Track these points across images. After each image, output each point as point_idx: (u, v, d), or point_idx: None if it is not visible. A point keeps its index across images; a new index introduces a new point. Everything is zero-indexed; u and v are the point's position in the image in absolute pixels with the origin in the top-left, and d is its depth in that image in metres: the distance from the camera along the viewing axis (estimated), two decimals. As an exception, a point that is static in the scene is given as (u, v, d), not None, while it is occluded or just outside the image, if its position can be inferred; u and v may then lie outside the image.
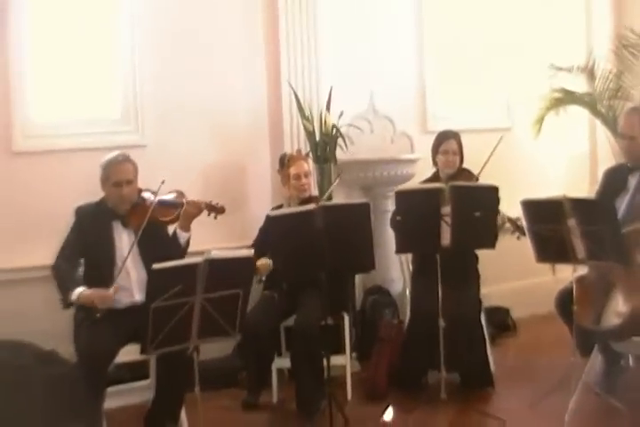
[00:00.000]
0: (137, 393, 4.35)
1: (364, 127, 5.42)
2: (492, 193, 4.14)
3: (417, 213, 4.10)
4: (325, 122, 5.01)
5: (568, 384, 4.15)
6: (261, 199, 5.15)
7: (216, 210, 4.16)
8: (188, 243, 4.20)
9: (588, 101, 5.59)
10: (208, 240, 4.74)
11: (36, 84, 4.71)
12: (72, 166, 4.68)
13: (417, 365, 4.54)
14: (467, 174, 4.67)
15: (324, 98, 5.14)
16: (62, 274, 3.96)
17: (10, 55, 4.58)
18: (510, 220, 4.37)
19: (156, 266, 3.36)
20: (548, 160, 6.15)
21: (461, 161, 4.78)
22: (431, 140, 4.99)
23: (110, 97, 4.94)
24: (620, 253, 3.98)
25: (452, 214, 4.10)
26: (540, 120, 5.68)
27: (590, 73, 5.62)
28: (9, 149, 4.59)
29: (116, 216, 4.13)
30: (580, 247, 4.06)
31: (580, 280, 4.35)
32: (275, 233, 3.95)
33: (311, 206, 3.92)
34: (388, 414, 4.34)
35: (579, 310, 4.21)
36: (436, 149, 4.78)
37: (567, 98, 5.60)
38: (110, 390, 4.06)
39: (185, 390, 3.99)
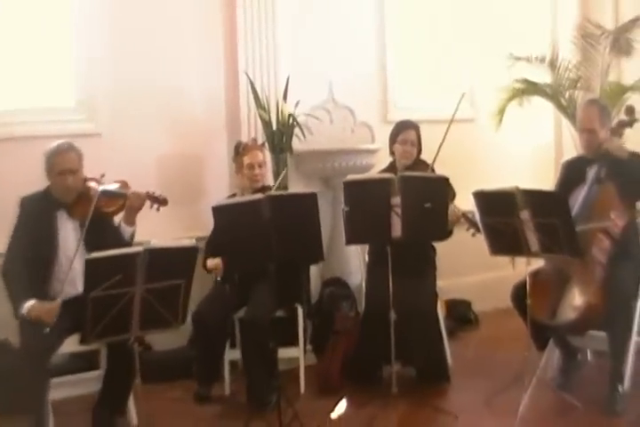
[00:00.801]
0: (88, 384, 4.24)
1: (324, 117, 5.34)
2: (442, 184, 4.08)
3: (366, 203, 4.04)
4: (282, 111, 4.94)
5: (524, 379, 4.09)
6: (219, 190, 5.05)
7: (158, 201, 4.08)
8: (132, 237, 4.12)
9: (550, 92, 5.51)
10: (164, 232, 4.69)
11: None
12: (26, 155, 4.48)
13: (371, 358, 4.46)
14: (423, 166, 4.58)
15: (282, 87, 5.03)
16: (11, 282, 3.88)
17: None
18: (465, 215, 4.32)
19: (92, 255, 3.29)
20: (512, 151, 6.11)
21: (419, 152, 4.71)
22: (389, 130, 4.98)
23: (65, 85, 4.83)
24: (574, 246, 3.93)
25: (402, 205, 4.03)
26: (501, 111, 5.59)
27: (551, 63, 5.53)
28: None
29: (61, 206, 4.04)
30: (533, 240, 4.01)
31: (535, 274, 4.32)
32: (219, 224, 3.85)
33: (257, 196, 3.85)
34: (340, 409, 4.26)
35: (533, 304, 4.16)
36: (393, 139, 4.70)
37: (529, 89, 5.51)
38: (60, 380, 4.05)
39: (132, 381, 3.88)
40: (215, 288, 4.51)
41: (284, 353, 4.61)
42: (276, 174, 4.94)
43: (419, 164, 4.65)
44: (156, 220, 4.25)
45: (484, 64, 5.87)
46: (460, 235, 4.41)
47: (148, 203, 4.10)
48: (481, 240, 4.21)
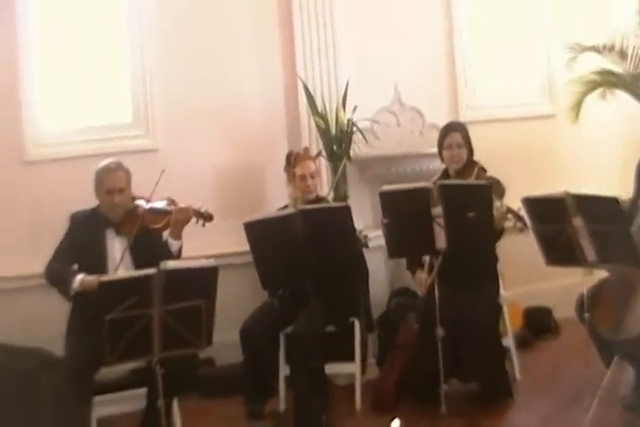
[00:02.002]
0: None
1: (391, 121, 5.10)
2: (483, 191, 3.77)
3: (406, 215, 3.79)
4: (339, 117, 4.76)
5: (583, 399, 3.78)
6: (279, 200, 4.81)
7: (204, 217, 4.02)
8: (180, 251, 4.07)
9: (630, 83, 4.98)
10: (224, 244, 4.70)
11: (45, 92, 4.71)
12: (85, 173, 4.53)
13: (425, 375, 4.16)
14: (475, 168, 4.28)
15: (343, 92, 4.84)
16: (57, 270, 3.92)
17: (19, 64, 4.61)
18: (511, 210, 3.99)
19: (105, 278, 3.32)
20: (598, 149, 5.58)
21: (471, 153, 4.40)
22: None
23: (121, 101, 4.87)
24: (632, 256, 3.53)
25: (444, 216, 3.77)
26: (577, 105, 5.11)
27: (621, 51, 4.99)
28: (20, 159, 4.62)
29: (109, 223, 4.05)
30: (589, 249, 3.67)
31: (599, 285, 3.99)
32: (252, 240, 3.78)
33: (289, 211, 3.76)
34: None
35: (596, 317, 3.86)
36: (440, 145, 4.43)
37: (606, 80, 5.02)
38: (117, 396, 4.01)
39: (170, 398, 3.84)
40: (264, 304, 4.39)
41: (342, 368, 4.47)
42: (337, 184, 4.78)
43: (470, 166, 4.33)
44: (218, 232, 4.21)
45: (560, 56, 5.34)
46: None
47: (193, 219, 4.03)
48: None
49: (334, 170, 4.78)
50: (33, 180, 4.64)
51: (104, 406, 3.94)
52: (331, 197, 4.75)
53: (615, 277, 3.86)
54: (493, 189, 4.09)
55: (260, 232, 3.78)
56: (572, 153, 5.53)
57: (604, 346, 3.91)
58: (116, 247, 4.05)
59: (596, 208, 3.57)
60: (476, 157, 4.40)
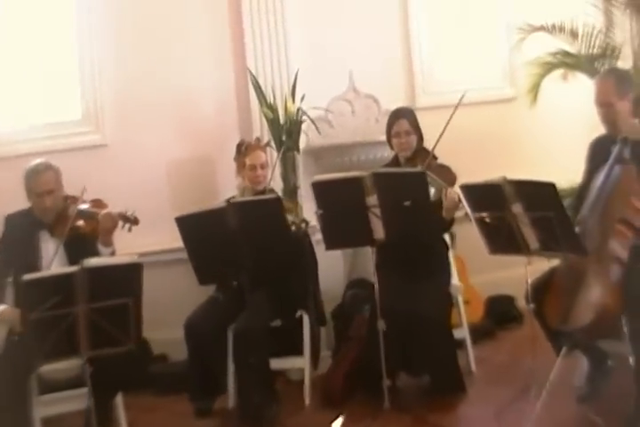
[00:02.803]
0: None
1: (345, 109, 4.99)
2: (419, 179, 3.65)
3: (340, 205, 3.69)
4: (287, 107, 4.66)
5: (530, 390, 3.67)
6: (233, 191, 4.72)
7: (130, 221, 3.95)
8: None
9: (585, 64, 4.80)
10: (179, 239, 4.64)
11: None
12: None
13: (372, 368, 4.06)
14: (424, 154, 4.13)
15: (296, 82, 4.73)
16: None
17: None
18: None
19: (26, 277, 3.22)
20: (560, 132, 5.36)
21: (420, 139, 4.29)
22: (422, 117, 4.60)
23: (70, 98, 4.79)
24: (574, 243, 3.42)
25: (380, 205, 3.67)
26: (534, 88, 4.97)
27: (571, 31, 4.83)
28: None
29: (42, 225, 3.99)
30: (531, 237, 3.54)
31: (552, 272, 3.87)
32: (184, 235, 3.71)
33: (219, 205, 3.69)
34: (337, 425, 3.95)
35: (547, 307, 3.75)
36: (388, 133, 4.32)
37: (561, 61, 4.87)
38: (63, 395, 3.94)
39: (109, 396, 3.86)
40: (209, 298, 4.30)
41: (292, 363, 4.41)
42: (284, 174, 4.71)
43: (420, 153, 4.20)
44: (171, 226, 4.12)
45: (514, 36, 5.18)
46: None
47: (120, 223, 3.95)
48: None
49: (283, 160, 4.67)
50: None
51: (54, 405, 3.89)
52: (280, 187, 4.68)
53: (564, 264, 3.76)
54: (443, 176, 4.00)
55: (192, 227, 3.69)
56: (533, 137, 5.39)
57: (554, 336, 3.82)
58: (50, 249, 3.98)
59: (534, 194, 3.44)
60: (435, 144, 4.21)
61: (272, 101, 4.73)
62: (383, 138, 4.60)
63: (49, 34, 4.77)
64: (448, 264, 4.35)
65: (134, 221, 3.96)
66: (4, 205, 4.33)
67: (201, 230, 3.69)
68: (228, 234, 3.66)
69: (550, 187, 3.36)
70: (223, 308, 4.22)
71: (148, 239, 4.52)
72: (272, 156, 4.70)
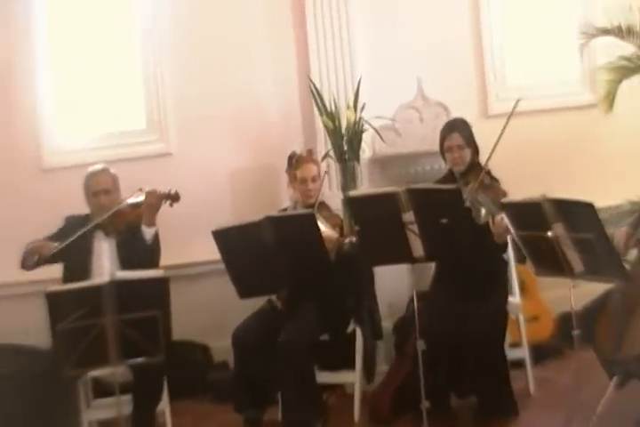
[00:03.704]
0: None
1: (413, 117, 4.85)
2: (454, 196, 3.45)
3: (375, 221, 3.53)
4: (347, 117, 4.55)
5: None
6: None
7: (171, 197, 4.04)
8: (155, 238, 4.07)
9: None
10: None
11: (60, 101, 4.85)
12: None
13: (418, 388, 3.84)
14: (478, 169, 3.94)
15: (361, 91, 4.65)
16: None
17: (34, 73, 4.77)
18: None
19: (52, 289, 3.32)
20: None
21: (475, 153, 4.10)
22: (495, 125, 4.42)
23: (135, 107, 4.93)
24: (615, 267, 3.17)
25: (417, 222, 3.48)
26: (610, 94, 4.61)
27: (628, 30, 4.44)
28: (38, 167, 4.81)
29: (97, 226, 4.10)
30: (575, 259, 3.30)
31: (606, 295, 3.60)
32: (221, 248, 3.69)
33: (256, 219, 3.66)
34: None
35: (599, 333, 3.51)
36: (441, 147, 4.14)
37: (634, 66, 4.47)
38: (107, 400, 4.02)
39: (153, 404, 3.94)
40: (258, 310, 4.26)
41: (343, 377, 4.36)
42: (343, 185, 4.63)
43: (475, 167, 4.01)
44: None
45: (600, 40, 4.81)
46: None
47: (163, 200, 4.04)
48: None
49: (343, 171, 4.61)
50: (50, 187, 4.76)
51: (106, 409, 3.97)
52: (340, 198, 4.60)
53: (618, 288, 3.51)
54: (491, 196, 3.83)
55: (229, 240, 3.66)
56: (611, 147, 5.03)
57: (607, 364, 3.57)
58: (104, 248, 4.12)
59: (573, 214, 3.21)
60: (488, 158, 4.01)
61: (333, 110, 4.64)
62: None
63: (114, 45, 4.93)
64: (505, 281, 4.13)
65: (175, 197, 4.04)
66: (72, 212, 4.49)
67: (238, 244, 3.65)
68: (265, 248, 3.62)
69: (589, 207, 3.13)
70: (272, 319, 4.16)
71: (211, 248, 4.57)
72: (332, 166, 4.64)
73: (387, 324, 4.61)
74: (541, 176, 4.72)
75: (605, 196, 4.74)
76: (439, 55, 4.94)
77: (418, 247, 3.60)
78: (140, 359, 3.45)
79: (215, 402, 4.62)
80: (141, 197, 4.08)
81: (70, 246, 4.05)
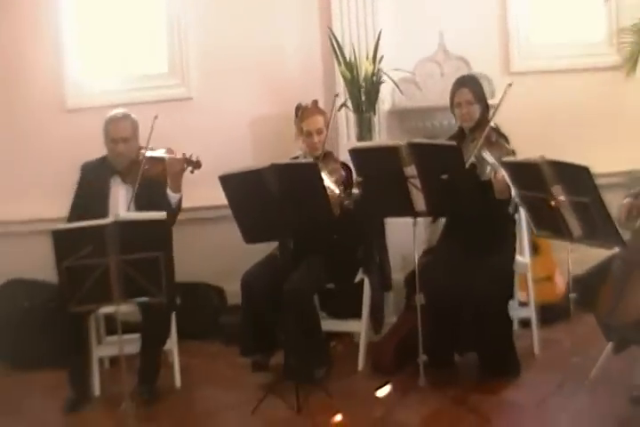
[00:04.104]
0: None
1: (434, 71, 4.81)
2: (453, 153, 3.44)
3: (379, 174, 3.56)
4: (365, 68, 4.52)
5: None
6: None
7: (193, 164, 4.06)
8: (179, 204, 4.14)
9: None
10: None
11: (83, 43, 4.93)
12: None
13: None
14: (484, 125, 3.87)
15: (382, 42, 4.60)
16: None
17: (58, 15, 4.84)
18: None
19: (58, 227, 3.42)
20: None
21: (485, 109, 4.03)
22: (516, 82, 4.37)
23: (158, 51, 4.96)
24: (611, 233, 3.16)
25: (419, 176, 3.49)
26: (633, 57, 4.48)
27: None
28: (62, 107, 4.90)
29: (114, 171, 4.19)
30: (573, 223, 3.30)
31: (610, 260, 3.57)
32: (228, 193, 3.70)
33: (260, 165, 3.66)
34: (383, 392, 3.94)
35: (601, 297, 3.48)
36: (451, 103, 4.08)
37: None
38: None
39: (160, 343, 4.06)
40: (268, 255, 4.32)
41: (349, 326, 4.45)
42: (359, 136, 4.62)
43: (483, 124, 3.94)
44: None
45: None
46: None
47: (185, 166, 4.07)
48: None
49: (359, 122, 4.60)
50: (73, 127, 4.85)
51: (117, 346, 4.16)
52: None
53: (620, 254, 3.47)
54: (496, 153, 3.78)
55: (235, 186, 3.68)
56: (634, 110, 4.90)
57: (605, 330, 3.56)
58: (121, 194, 4.20)
59: (571, 177, 3.18)
60: (493, 114, 3.99)
61: (352, 61, 4.61)
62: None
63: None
64: (511, 239, 4.11)
65: (197, 165, 4.08)
66: (94, 153, 4.52)
67: (244, 190, 3.68)
68: (271, 195, 3.64)
69: (584, 171, 3.09)
70: (280, 266, 4.19)
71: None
72: (348, 117, 4.65)
73: (398, 276, 4.66)
74: (560, 137, 4.66)
75: (627, 159, 4.72)
76: (463, 10, 4.85)
77: (420, 201, 3.63)
78: (142, 299, 3.61)
79: (226, 344, 4.72)
80: (161, 152, 4.13)
81: (90, 193, 4.17)
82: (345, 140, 4.78)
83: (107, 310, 3.98)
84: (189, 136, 4.74)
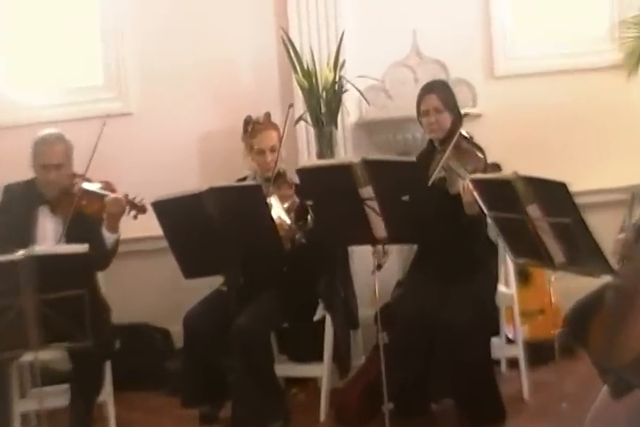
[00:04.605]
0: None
1: (407, 77, 4.87)
2: (415, 170, 3.44)
3: (330, 196, 3.53)
4: (324, 76, 4.56)
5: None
6: None
7: (137, 208, 4.04)
8: (116, 245, 4.15)
9: None
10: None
11: (10, 55, 4.98)
12: None
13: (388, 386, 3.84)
14: (460, 139, 3.89)
15: (345, 46, 4.64)
16: None
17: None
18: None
19: (-35, 261, 3.45)
20: None
21: (457, 119, 4.03)
22: (503, 87, 4.47)
23: (91, 62, 5.02)
24: (596, 258, 3.10)
25: (377, 198, 3.45)
26: (634, 53, 4.53)
27: None
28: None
29: (43, 200, 4.17)
30: (554, 247, 3.25)
31: (603, 290, 3.57)
32: (163, 222, 3.69)
33: (198, 189, 3.66)
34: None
35: (592, 334, 3.50)
36: (418, 111, 4.09)
37: None
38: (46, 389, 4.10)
39: (91, 395, 4.03)
40: (213, 292, 4.31)
41: (309, 371, 4.44)
42: (319, 152, 4.64)
43: (454, 134, 3.92)
44: None
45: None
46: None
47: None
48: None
49: (319, 137, 4.62)
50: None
51: (46, 399, 4.13)
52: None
53: (612, 284, 3.48)
54: (464, 163, 3.82)
55: (170, 213, 3.67)
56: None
57: (599, 369, 3.56)
58: (48, 226, 4.19)
59: (548, 194, 3.17)
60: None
61: (311, 67, 4.64)
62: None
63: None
64: (492, 266, 4.13)
65: (141, 209, 4.04)
66: (17, 175, 4.51)
67: (180, 218, 3.66)
68: (210, 224, 3.63)
69: (561, 186, 3.11)
70: (228, 303, 4.18)
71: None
72: (308, 131, 4.70)
73: (368, 312, 4.60)
74: (553, 148, 4.71)
75: (629, 173, 4.76)
76: (438, 6, 4.91)
77: (380, 227, 3.62)
78: (64, 344, 3.63)
79: (172, 394, 4.62)
80: (97, 186, 4.12)
81: (13, 220, 4.14)
82: (305, 157, 4.81)
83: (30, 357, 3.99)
84: (129, 156, 4.79)
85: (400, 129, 4.75)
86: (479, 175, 3.48)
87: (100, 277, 4.34)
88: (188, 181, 4.77)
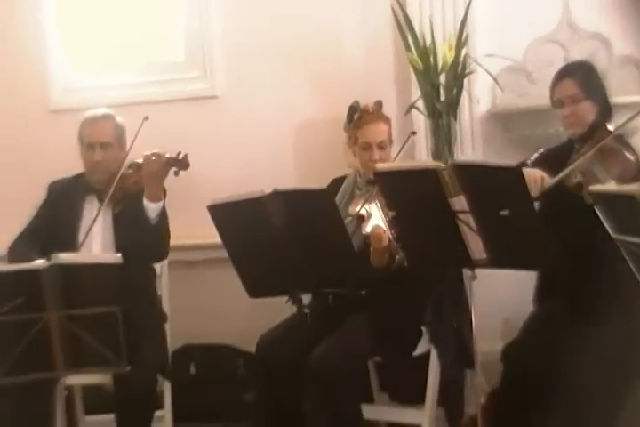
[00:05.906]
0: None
1: (556, 55, 4.71)
2: (511, 177, 3.25)
3: (415, 207, 3.46)
4: (444, 55, 4.47)
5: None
6: None
7: (178, 162, 4.06)
8: (162, 216, 4.18)
9: None
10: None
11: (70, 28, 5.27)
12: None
13: None
14: (604, 133, 3.68)
15: (473, 16, 4.57)
16: (18, 255, 4.19)
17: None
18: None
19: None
20: None
21: (605, 109, 3.88)
22: None
23: (171, 35, 5.22)
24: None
25: (472, 211, 3.34)
26: None
27: None
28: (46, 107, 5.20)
29: (91, 190, 4.32)
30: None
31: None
32: (220, 229, 3.73)
33: (260, 192, 3.60)
34: None
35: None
36: (552, 101, 3.98)
37: None
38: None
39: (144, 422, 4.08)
40: (295, 315, 4.21)
41: (406, 416, 4.31)
42: (435, 147, 4.57)
43: (597, 131, 3.75)
44: None
45: None
46: None
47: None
48: None
49: (434, 130, 4.56)
50: (58, 130, 5.07)
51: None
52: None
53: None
54: (605, 165, 3.64)
55: (228, 219, 3.70)
56: None
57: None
58: (97, 221, 4.24)
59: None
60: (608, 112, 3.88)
61: (429, 45, 4.57)
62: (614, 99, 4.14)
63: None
64: (624, 300, 3.85)
65: (183, 164, 4.07)
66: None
67: (240, 226, 3.69)
68: (276, 234, 3.65)
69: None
70: (311, 328, 4.12)
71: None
72: (419, 123, 4.65)
73: (491, 347, 4.53)
74: None
75: None
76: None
77: (478, 246, 3.49)
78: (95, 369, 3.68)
79: None
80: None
81: (57, 217, 4.30)
82: (424, 155, 4.76)
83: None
84: (211, 146, 4.91)
85: (542, 121, 4.61)
86: (599, 187, 3.26)
87: (166, 281, 4.44)
88: (280, 177, 4.88)
